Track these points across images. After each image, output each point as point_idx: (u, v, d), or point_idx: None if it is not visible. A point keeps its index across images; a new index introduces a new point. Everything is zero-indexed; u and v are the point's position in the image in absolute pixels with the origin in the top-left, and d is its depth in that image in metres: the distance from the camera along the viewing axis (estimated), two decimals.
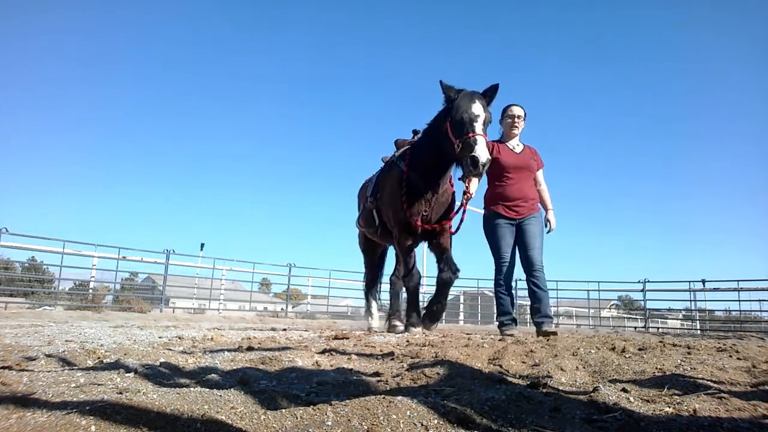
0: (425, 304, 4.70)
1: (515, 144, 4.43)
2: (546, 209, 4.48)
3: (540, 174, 4.49)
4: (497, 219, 4.30)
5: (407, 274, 4.28)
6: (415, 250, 4.51)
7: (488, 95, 3.64)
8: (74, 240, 9.13)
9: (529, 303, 4.35)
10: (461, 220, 4.20)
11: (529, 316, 4.70)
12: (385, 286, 5.83)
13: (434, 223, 4.11)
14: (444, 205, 4.23)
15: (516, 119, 4.37)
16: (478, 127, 3.42)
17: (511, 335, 3.81)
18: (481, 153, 3.30)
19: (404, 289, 4.60)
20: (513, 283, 4.40)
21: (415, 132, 4.72)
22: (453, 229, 4.24)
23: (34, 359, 1.85)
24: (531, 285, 4.20)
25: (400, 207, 4.11)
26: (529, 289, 4.23)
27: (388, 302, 5.56)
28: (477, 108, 3.47)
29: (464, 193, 4.05)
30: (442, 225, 4.18)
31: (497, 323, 4.35)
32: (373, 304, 5.60)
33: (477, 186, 4.26)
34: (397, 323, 4.61)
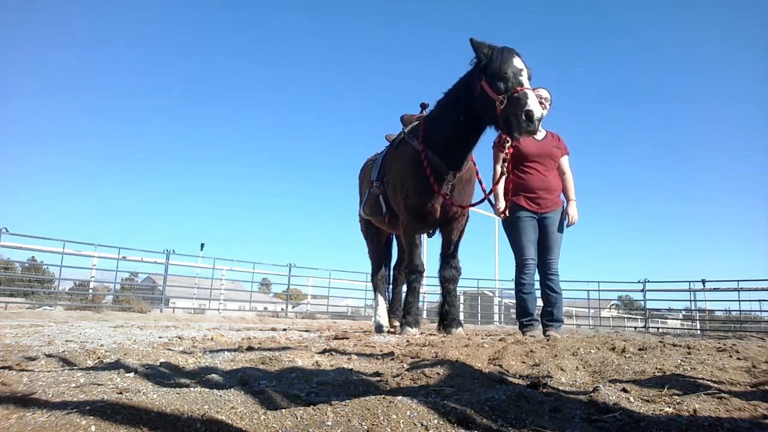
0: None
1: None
2: (567, 200, 4.16)
3: (565, 161, 4.17)
4: (519, 212, 3.97)
5: (410, 265, 4.01)
6: (421, 238, 4.17)
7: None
8: (74, 240, 9.14)
9: (541, 305, 4.15)
10: (490, 192, 3.82)
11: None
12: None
13: (456, 205, 3.82)
14: (467, 183, 3.93)
15: (542, 102, 3.92)
16: (525, 80, 3.18)
17: (534, 336, 3.60)
18: (535, 106, 3.05)
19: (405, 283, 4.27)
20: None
21: (423, 105, 4.35)
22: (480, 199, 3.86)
23: (34, 359, 1.85)
24: (545, 288, 4.04)
25: (412, 191, 3.80)
26: (543, 292, 4.07)
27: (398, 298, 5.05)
28: (519, 62, 3.25)
29: (504, 160, 3.65)
30: (461, 209, 3.89)
31: (518, 324, 4.14)
32: (381, 300, 4.96)
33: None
34: (398, 323, 4.48)
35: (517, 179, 3.99)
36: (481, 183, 4.02)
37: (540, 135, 4.08)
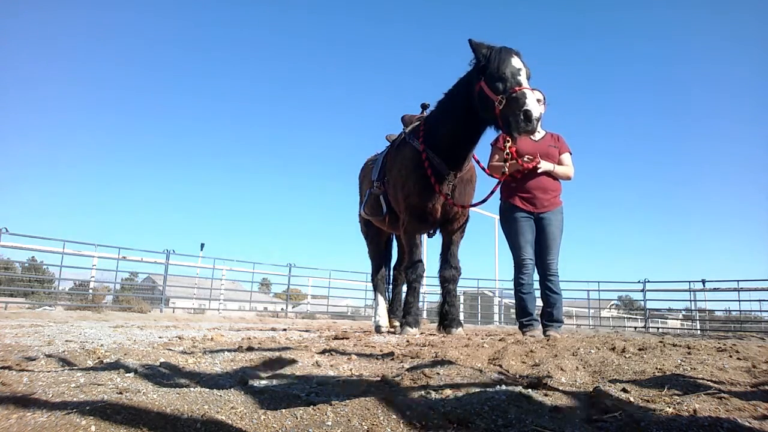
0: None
1: None
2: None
3: (566, 158, 4.11)
4: (515, 212, 3.98)
5: (411, 265, 4.02)
6: (421, 238, 4.18)
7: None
8: (74, 240, 9.15)
9: (541, 305, 4.14)
10: (492, 192, 3.84)
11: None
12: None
13: (457, 204, 3.84)
14: (468, 183, 3.96)
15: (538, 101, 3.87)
16: (524, 80, 3.20)
17: (534, 336, 3.60)
18: (534, 106, 3.04)
19: (405, 283, 4.28)
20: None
21: (423, 106, 4.35)
22: (479, 200, 3.91)
23: (34, 359, 1.85)
24: (545, 289, 4.03)
25: (413, 191, 3.83)
26: (543, 293, 4.06)
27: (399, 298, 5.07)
28: (518, 62, 3.27)
29: (505, 160, 3.67)
30: (462, 209, 3.92)
31: (518, 324, 4.14)
32: (381, 300, 4.96)
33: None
34: (398, 323, 4.48)
35: (512, 180, 3.99)
36: (479, 166, 4.04)
37: (538, 135, 4.07)
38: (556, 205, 4.06)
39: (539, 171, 3.92)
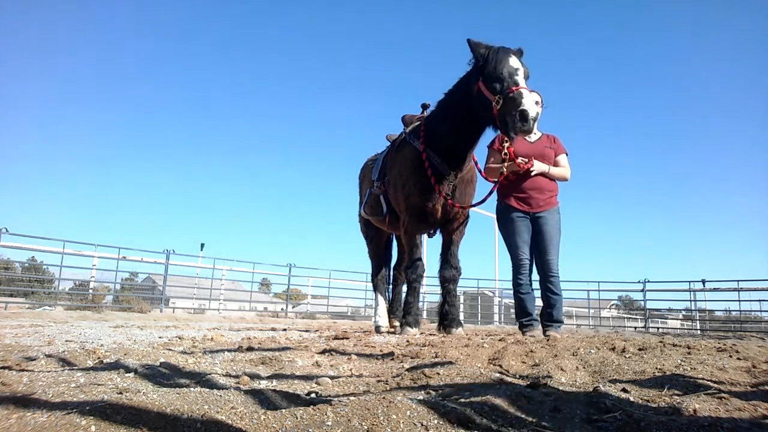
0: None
1: None
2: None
3: (562, 159, 4.11)
4: (511, 213, 4.00)
5: (411, 265, 4.03)
6: (421, 238, 4.21)
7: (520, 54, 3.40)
8: (74, 240, 9.18)
9: (541, 305, 4.14)
10: (490, 192, 3.90)
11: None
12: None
13: (456, 205, 3.85)
14: (468, 183, 4.00)
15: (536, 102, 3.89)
16: (521, 80, 3.20)
17: (534, 336, 3.60)
18: (530, 106, 3.04)
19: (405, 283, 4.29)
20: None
21: (424, 106, 4.36)
22: (478, 200, 3.98)
23: (34, 359, 1.85)
24: (545, 289, 4.03)
25: (414, 191, 3.85)
26: (543, 293, 4.06)
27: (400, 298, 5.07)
28: (515, 61, 3.27)
29: (503, 160, 3.73)
30: (462, 209, 3.94)
31: (518, 324, 4.15)
32: (381, 300, 4.98)
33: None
34: (398, 323, 4.49)
35: (508, 180, 4.00)
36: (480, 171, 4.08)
37: (534, 137, 4.07)
38: (552, 204, 4.05)
39: (533, 174, 3.94)
